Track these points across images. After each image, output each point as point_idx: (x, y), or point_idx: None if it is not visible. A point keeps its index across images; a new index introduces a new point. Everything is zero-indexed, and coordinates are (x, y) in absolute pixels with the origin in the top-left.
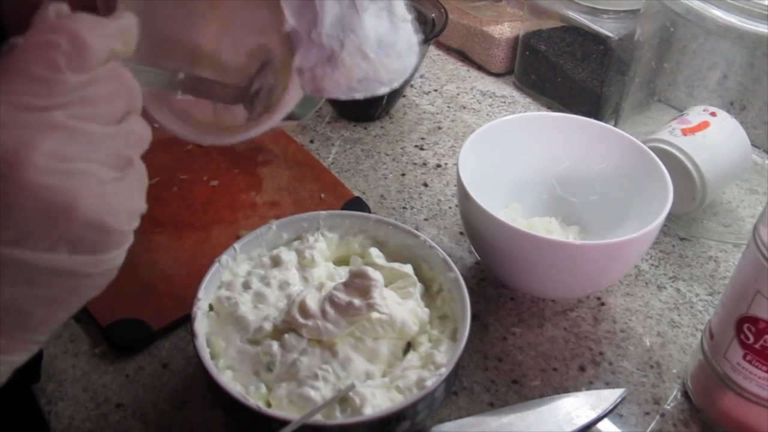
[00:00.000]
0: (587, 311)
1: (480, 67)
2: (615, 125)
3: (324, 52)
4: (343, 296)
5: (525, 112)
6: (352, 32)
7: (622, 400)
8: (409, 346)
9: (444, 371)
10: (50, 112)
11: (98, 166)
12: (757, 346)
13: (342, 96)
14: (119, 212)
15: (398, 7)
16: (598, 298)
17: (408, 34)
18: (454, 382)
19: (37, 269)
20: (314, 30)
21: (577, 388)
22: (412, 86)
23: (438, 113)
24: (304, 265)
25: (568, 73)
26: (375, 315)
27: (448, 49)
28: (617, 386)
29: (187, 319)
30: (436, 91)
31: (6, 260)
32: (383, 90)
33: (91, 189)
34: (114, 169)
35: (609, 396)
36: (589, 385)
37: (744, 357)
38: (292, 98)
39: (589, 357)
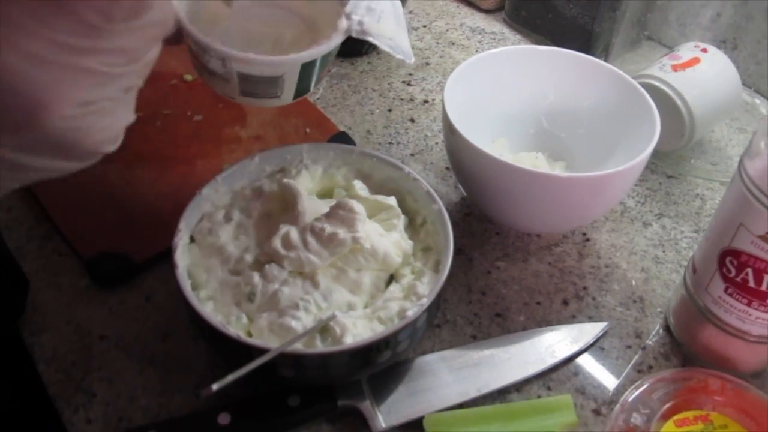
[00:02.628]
0: (572, 246)
1: (470, 3)
2: (605, 62)
3: (369, 8)
4: (325, 227)
5: None
6: (381, 2)
7: (604, 334)
8: (391, 278)
9: (425, 301)
10: (86, 57)
11: (111, 102)
12: (738, 279)
13: (378, 42)
14: (116, 138)
15: (400, 9)
16: (584, 234)
17: (406, 31)
18: (436, 313)
19: (26, 167)
20: None
21: (560, 322)
22: None
23: (426, 49)
24: None
25: (559, 9)
26: (357, 246)
27: None
28: (600, 320)
29: (169, 252)
30: (424, 27)
31: (12, 161)
32: (399, 56)
33: (101, 124)
34: (120, 97)
35: (591, 330)
36: (572, 320)
37: (725, 290)
38: (339, 34)
39: (573, 292)
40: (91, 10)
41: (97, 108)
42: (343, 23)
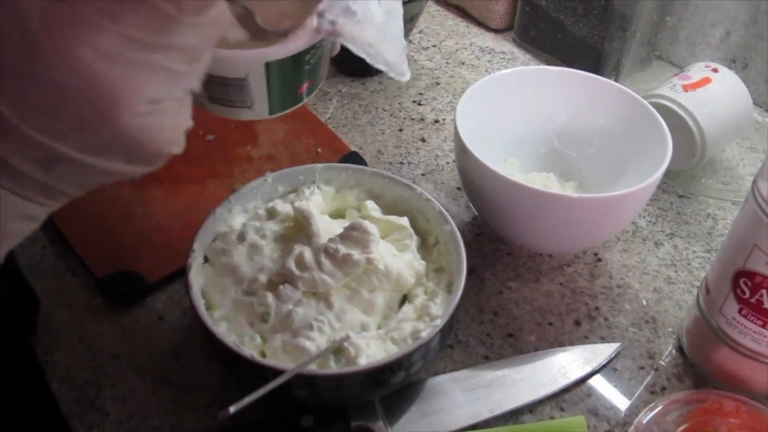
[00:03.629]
0: (584, 267)
1: (479, 23)
2: (615, 81)
3: (347, 9)
4: (339, 248)
5: None
6: (369, 7)
7: (617, 355)
8: (404, 299)
9: (439, 322)
10: (156, 54)
11: (176, 102)
12: (752, 300)
13: (352, 47)
14: (180, 140)
15: (398, 22)
16: (595, 254)
17: (402, 51)
18: (449, 333)
19: (95, 170)
20: None
21: (572, 343)
22: (410, 42)
23: (436, 69)
24: None
25: (569, 28)
26: (371, 267)
27: (447, 5)
28: (612, 341)
29: (182, 272)
30: (434, 46)
31: (80, 162)
32: (383, 68)
33: (169, 125)
34: (184, 98)
35: (604, 350)
36: (584, 340)
37: (739, 311)
38: (306, 32)
39: (585, 312)
40: (166, 1)
41: (165, 107)
42: (313, 21)
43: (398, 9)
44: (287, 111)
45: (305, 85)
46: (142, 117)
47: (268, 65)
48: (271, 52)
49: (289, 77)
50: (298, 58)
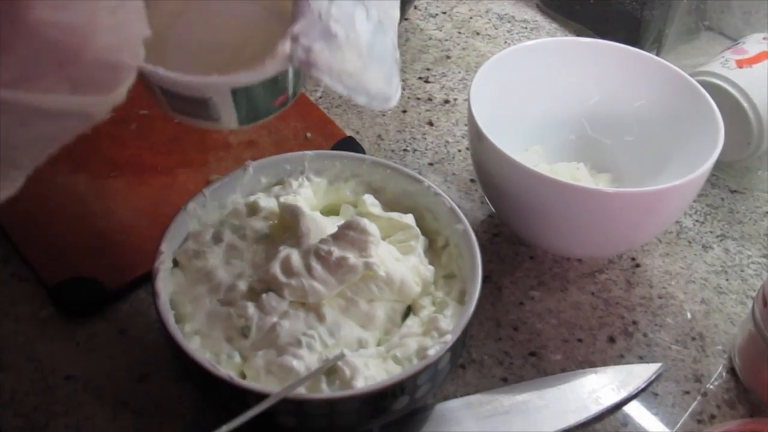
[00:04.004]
0: (619, 273)
1: None
2: (657, 56)
3: (327, 32)
4: (333, 250)
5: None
6: (354, 26)
7: (658, 377)
8: (409, 310)
9: (449, 339)
10: None
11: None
12: None
13: (328, 80)
14: (129, 45)
15: (391, 36)
16: (633, 259)
17: (392, 68)
18: (461, 352)
19: (32, 110)
20: (327, 7)
21: (605, 363)
22: (416, 8)
23: (447, 40)
24: None
25: None
26: (370, 273)
27: None
28: (652, 361)
29: (147, 278)
30: (444, 13)
31: (13, 104)
32: (363, 101)
33: (102, 22)
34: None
35: (642, 372)
36: (620, 359)
37: None
38: (276, 62)
39: (620, 327)
40: None
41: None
42: (285, 47)
43: (393, 18)
44: (260, 122)
45: (280, 99)
46: (60, 9)
47: (234, 90)
48: (236, 80)
49: (260, 97)
50: (267, 83)
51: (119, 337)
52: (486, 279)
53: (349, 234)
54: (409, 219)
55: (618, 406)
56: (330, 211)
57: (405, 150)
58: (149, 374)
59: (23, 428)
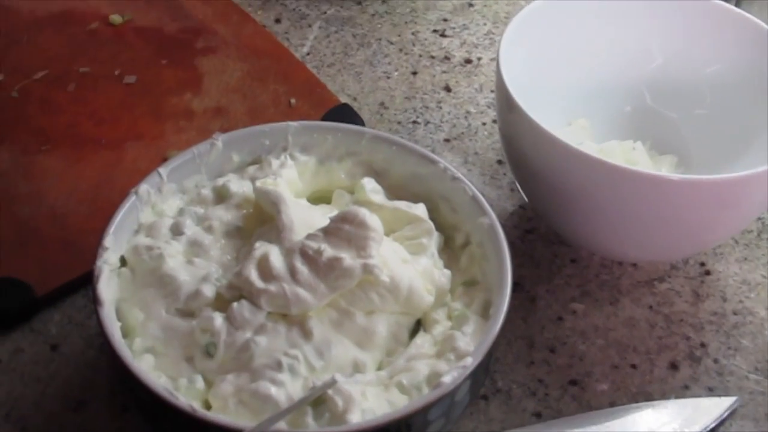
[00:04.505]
0: (684, 282)
1: None
2: (737, 7)
3: None
4: (323, 248)
5: None
6: None
7: (732, 414)
8: (419, 326)
9: (469, 362)
10: None
11: None
12: None
13: None
14: None
15: None
16: (702, 264)
17: None
18: (483, 379)
19: None
20: None
21: (665, 395)
22: None
23: None
24: None
25: None
26: (370, 278)
27: None
28: (725, 394)
29: (87, 281)
30: None
31: None
32: None
33: None
34: None
35: (712, 408)
36: (684, 392)
37: None
38: None
39: (685, 350)
40: None
41: None
42: None
43: None
44: None
45: None
46: None
47: None
48: None
49: None
50: None
51: (50, 354)
52: (516, 287)
53: (343, 228)
54: (420, 210)
55: None
56: (320, 198)
57: (415, 122)
58: (87, 402)
59: None
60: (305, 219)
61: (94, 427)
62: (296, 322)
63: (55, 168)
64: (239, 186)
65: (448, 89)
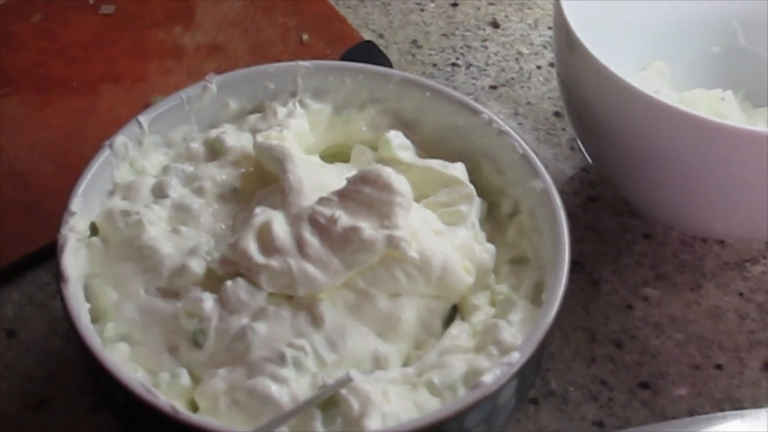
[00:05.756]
0: None
1: None
2: None
3: None
4: (338, 215)
5: None
6: None
7: None
8: (454, 313)
9: (516, 358)
10: None
11: None
12: None
13: None
14: None
15: None
16: None
17: None
18: (533, 379)
19: None
20: None
21: (757, 403)
22: None
23: None
24: None
25: None
26: (396, 253)
27: None
28: None
29: (50, 253)
30: None
31: None
32: None
33: None
34: None
35: None
36: None
37: None
38: None
39: None
40: None
41: None
42: None
43: None
44: None
45: None
46: None
47: None
48: None
49: None
50: None
51: (6, 341)
52: (575, 267)
53: (363, 191)
54: (458, 170)
55: None
56: (335, 155)
57: (454, 64)
58: (50, 400)
59: None
60: (317, 180)
61: (58, 429)
62: (304, 305)
63: (16, 116)
64: (237, 139)
65: (495, 25)
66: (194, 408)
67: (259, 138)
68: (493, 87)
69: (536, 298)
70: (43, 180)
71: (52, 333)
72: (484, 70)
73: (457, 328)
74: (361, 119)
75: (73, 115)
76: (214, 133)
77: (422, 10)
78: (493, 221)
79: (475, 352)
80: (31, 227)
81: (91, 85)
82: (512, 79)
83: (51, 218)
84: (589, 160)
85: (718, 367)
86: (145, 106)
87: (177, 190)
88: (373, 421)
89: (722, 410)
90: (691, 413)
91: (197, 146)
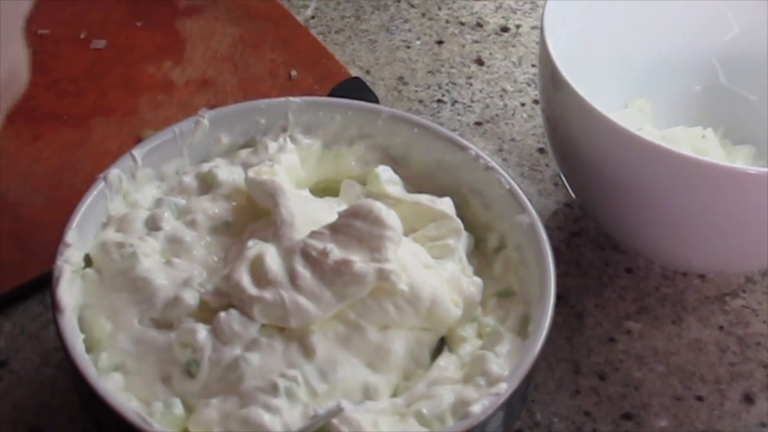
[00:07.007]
0: (762, 299)
1: None
2: None
3: None
4: (330, 248)
5: None
6: None
7: None
8: (442, 345)
9: (503, 389)
10: None
11: None
12: None
13: None
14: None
15: None
16: None
17: None
18: (520, 410)
19: None
20: None
21: None
22: None
23: None
24: None
25: None
26: (386, 286)
27: None
28: None
29: (43, 283)
30: None
31: None
32: None
33: None
34: None
35: None
36: (760, 429)
37: None
38: None
39: (762, 380)
40: None
41: None
42: None
43: None
44: None
45: None
46: None
47: None
48: None
49: None
50: None
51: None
52: (559, 300)
53: (354, 225)
54: (445, 205)
55: None
56: (325, 189)
57: (440, 101)
58: (42, 429)
59: None
60: (308, 214)
61: None
62: (296, 337)
63: (8, 148)
64: (228, 173)
65: (480, 62)
66: None
67: (251, 173)
68: (478, 123)
69: (522, 330)
70: (34, 212)
71: (44, 363)
72: (469, 106)
73: (445, 360)
74: (351, 154)
75: (64, 148)
76: (206, 167)
77: (408, 47)
78: (480, 255)
79: (463, 382)
80: (22, 259)
81: (82, 119)
82: (497, 115)
83: (43, 250)
84: (573, 196)
85: (699, 398)
86: (136, 139)
87: (170, 223)
88: None
89: None
90: None
91: (190, 180)
